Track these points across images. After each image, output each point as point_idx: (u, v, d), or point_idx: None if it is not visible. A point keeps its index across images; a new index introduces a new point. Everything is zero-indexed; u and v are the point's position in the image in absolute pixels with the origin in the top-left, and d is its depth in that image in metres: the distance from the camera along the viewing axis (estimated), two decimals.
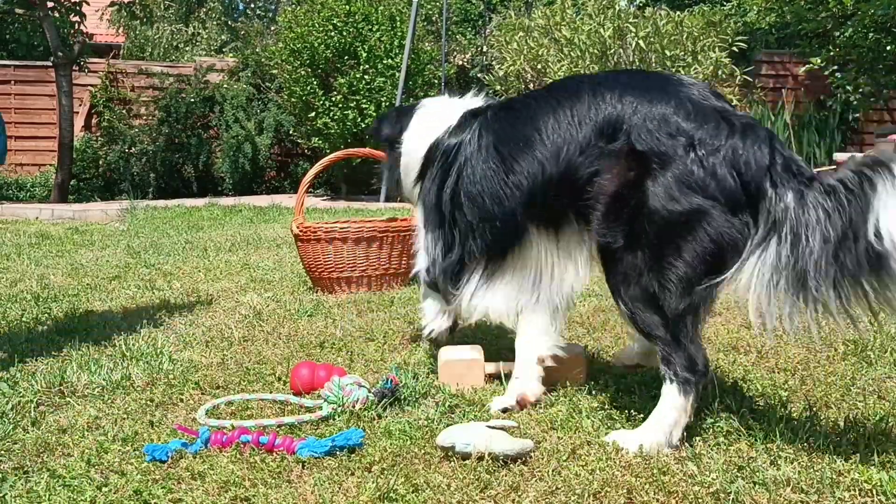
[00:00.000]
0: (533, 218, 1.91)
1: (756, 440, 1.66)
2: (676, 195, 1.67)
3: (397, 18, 9.54)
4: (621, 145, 1.75)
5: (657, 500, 1.44)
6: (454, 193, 2.04)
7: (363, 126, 9.36)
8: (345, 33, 9.29)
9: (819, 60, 7.58)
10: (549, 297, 1.97)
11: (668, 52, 7.81)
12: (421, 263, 2.23)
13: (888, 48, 7.05)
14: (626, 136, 1.74)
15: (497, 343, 2.50)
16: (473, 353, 2.11)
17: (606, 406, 1.89)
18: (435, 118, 2.24)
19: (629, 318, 1.77)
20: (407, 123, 2.33)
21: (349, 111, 9.16)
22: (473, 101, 2.25)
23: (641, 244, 1.71)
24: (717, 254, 1.67)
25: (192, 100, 11.30)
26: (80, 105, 11.40)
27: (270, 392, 2.08)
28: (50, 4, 10.08)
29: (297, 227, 3.45)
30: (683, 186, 1.67)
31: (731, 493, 1.44)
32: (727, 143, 1.67)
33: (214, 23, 18.86)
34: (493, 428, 1.65)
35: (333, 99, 9.26)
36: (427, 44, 10.40)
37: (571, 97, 1.87)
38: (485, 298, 2.02)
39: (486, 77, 9.81)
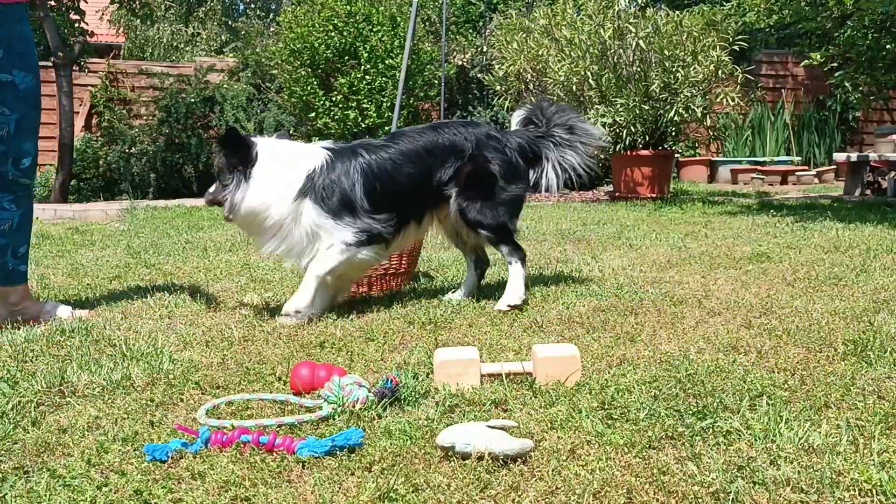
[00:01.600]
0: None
1: (756, 440, 1.66)
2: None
3: (398, 18, 9.54)
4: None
5: (657, 500, 1.44)
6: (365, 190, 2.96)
7: (364, 126, 9.36)
8: (345, 33, 9.30)
9: (819, 56, 7.58)
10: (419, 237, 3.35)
11: (667, 52, 7.81)
12: (346, 235, 2.94)
13: (887, 47, 7.05)
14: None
15: (496, 343, 2.50)
16: (469, 353, 2.11)
17: (606, 406, 1.89)
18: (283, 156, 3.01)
19: (482, 236, 3.15)
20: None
21: (350, 111, 9.17)
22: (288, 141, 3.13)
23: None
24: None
25: (193, 100, 11.30)
26: (81, 105, 11.39)
27: (270, 392, 2.08)
28: (51, 3, 10.09)
29: None
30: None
31: (731, 493, 1.44)
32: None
33: (215, 23, 18.87)
34: (493, 428, 1.65)
35: (334, 99, 9.26)
36: (427, 44, 10.40)
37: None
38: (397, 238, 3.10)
39: (486, 77, 9.80)
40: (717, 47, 7.89)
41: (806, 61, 7.79)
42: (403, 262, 3.49)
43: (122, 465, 1.63)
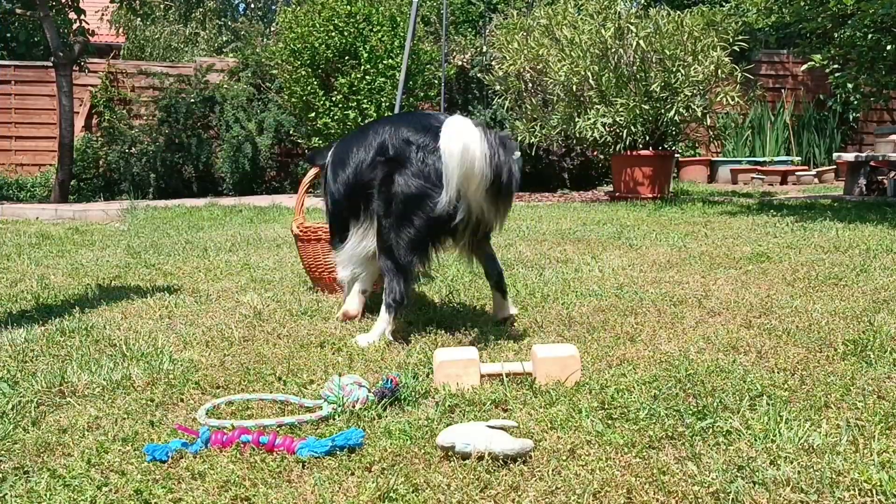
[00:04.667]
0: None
1: (756, 440, 1.66)
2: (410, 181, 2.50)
3: (398, 18, 9.54)
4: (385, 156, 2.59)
5: (657, 500, 1.44)
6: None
7: None
8: (346, 34, 9.30)
9: (819, 58, 7.58)
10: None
11: (668, 52, 7.81)
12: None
13: (888, 48, 7.04)
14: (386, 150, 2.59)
15: (496, 343, 2.50)
16: (469, 353, 2.11)
17: (606, 406, 1.89)
18: None
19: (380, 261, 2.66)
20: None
21: (350, 111, 9.16)
22: None
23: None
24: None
25: (193, 100, 11.30)
26: (81, 105, 11.39)
27: (270, 392, 2.08)
28: (51, 3, 10.09)
29: (298, 227, 3.45)
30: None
31: (730, 493, 1.44)
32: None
33: (214, 24, 18.88)
34: (493, 428, 1.65)
35: (334, 99, 9.26)
36: (427, 44, 10.40)
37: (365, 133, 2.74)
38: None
39: (486, 77, 9.80)
40: (718, 47, 7.90)
41: (807, 65, 7.78)
42: None
43: (122, 465, 1.63)
